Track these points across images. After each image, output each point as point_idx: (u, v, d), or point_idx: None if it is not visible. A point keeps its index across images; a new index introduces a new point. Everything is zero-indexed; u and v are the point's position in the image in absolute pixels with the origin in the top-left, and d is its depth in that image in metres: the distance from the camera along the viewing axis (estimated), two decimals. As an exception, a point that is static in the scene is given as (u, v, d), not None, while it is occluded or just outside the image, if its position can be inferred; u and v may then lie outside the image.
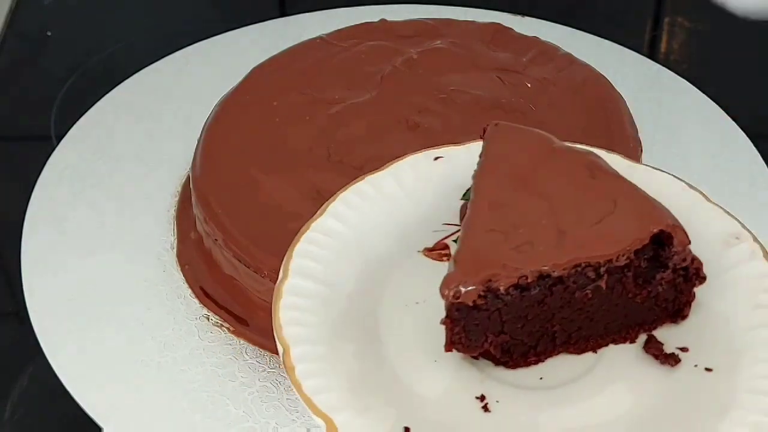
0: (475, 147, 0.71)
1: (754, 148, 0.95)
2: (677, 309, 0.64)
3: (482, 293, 0.57)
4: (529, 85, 0.91)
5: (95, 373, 0.76)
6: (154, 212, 0.88)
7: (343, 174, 0.82)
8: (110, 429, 0.72)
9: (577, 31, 1.08)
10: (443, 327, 0.60)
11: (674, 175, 0.66)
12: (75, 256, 0.84)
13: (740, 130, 0.97)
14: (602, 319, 0.63)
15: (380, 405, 0.58)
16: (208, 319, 0.80)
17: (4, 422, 0.78)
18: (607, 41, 1.08)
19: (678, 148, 0.95)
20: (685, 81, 1.03)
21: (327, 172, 0.83)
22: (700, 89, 1.02)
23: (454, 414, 0.59)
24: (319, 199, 0.80)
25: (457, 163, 0.70)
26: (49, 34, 1.15)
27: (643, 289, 0.63)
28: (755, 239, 0.65)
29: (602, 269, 0.60)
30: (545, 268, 0.59)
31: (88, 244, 0.85)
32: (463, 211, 0.68)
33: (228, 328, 0.80)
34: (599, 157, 0.67)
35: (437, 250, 0.67)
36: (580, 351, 0.63)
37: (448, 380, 0.61)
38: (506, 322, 0.60)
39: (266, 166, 0.83)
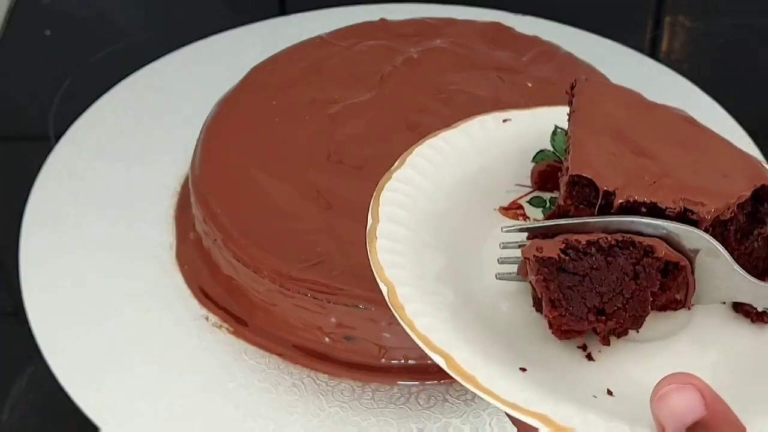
0: (542, 112, 0.71)
1: (755, 147, 0.95)
2: (766, 267, 0.64)
3: (563, 248, 0.58)
4: (529, 85, 0.91)
5: (93, 374, 0.76)
6: (154, 212, 0.88)
7: (342, 174, 0.82)
8: (108, 429, 0.72)
9: (578, 30, 1.08)
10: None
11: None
12: (73, 256, 0.84)
13: (741, 129, 0.97)
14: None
15: (493, 345, 0.59)
16: (207, 320, 0.80)
17: (2, 422, 0.78)
18: (607, 40, 1.08)
19: (679, 148, 0.95)
20: (686, 80, 1.03)
21: (327, 172, 0.82)
22: (701, 88, 1.02)
23: (563, 360, 0.60)
24: (319, 198, 0.80)
25: (525, 126, 0.71)
26: (48, 33, 1.15)
27: (741, 245, 0.62)
28: None
29: (708, 223, 0.59)
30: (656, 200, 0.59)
31: (87, 244, 0.85)
32: (534, 173, 0.69)
33: (227, 329, 0.79)
34: (687, 112, 0.68)
35: (512, 209, 0.68)
36: (675, 308, 0.63)
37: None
38: (604, 285, 0.59)
39: (266, 166, 0.83)
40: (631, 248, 0.57)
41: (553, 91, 0.90)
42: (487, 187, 0.68)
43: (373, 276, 0.59)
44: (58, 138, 0.95)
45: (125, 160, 0.93)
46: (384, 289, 0.58)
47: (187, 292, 0.82)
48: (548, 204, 0.68)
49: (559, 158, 0.67)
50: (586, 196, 0.60)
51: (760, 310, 0.62)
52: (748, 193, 0.60)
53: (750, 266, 0.64)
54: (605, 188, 0.59)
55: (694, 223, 0.59)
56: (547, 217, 0.63)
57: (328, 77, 0.91)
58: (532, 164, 0.69)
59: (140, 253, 0.84)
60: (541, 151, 0.70)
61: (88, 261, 0.84)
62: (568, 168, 0.61)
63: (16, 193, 0.90)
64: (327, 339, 0.77)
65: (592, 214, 0.60)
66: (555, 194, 0.66)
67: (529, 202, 0.68)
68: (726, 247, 0.60)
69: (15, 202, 0.89)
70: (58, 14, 1.19)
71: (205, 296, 0.82)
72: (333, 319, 0.76)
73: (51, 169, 0.92)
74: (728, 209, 0.59)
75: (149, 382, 0.75)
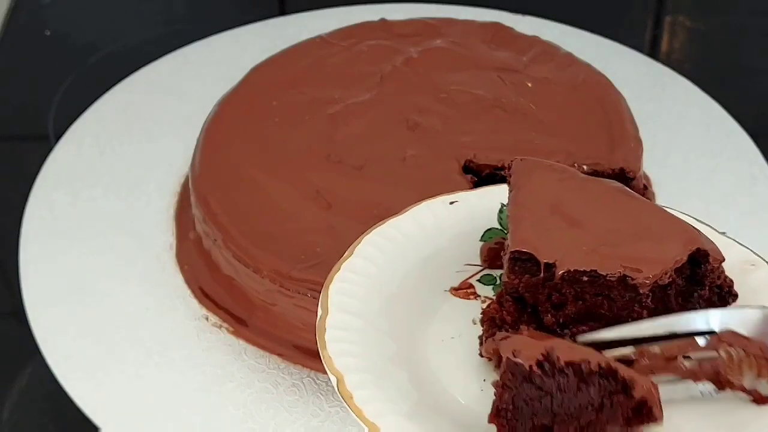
0: (488, 191, 0.73)
1: (755, 147, 0.95)
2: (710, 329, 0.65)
3: (541, 359, 0.58)
4: (529, 85, 0.91)
5: (93, 374, 0.75)
6: (153, 212, 0.88)
7: (342, 174, 0.82)
8: (108, 429, 0.72)
9: (578, 30, 1.08)
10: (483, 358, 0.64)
11: (683, 212, 0.67)
12: (73, 256, 0.84)
13: (741, 129, 0.97)
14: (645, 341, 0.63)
15: (446, 428, 0.60)
16: (207, 320, 0.80)
17: (2, 422, 0.77)
18: (607, 40, 1.08)
19: (678, 148, 0.95)
20: (686, 80, 1.03)
21: (327, 171, 0.82)
22: (701, 88, 1.02)
23: None
24: (318, 199, 0.80)
25: (471, 206, 0.73)
26: (48, 33, 1.15)
27: (683, 308, 0.63)
28: None
29: (647, 288, 0.61)
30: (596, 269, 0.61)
31: (87, 244, 0.85)
32: (483, 252, 0.71)
33: (227, 329, 0.79)
34: (622, 185, 0.69)
35: (463, 289, 0.70)
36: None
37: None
38: (563, 407, 0.60)
39: (266, 166, 0.83)
40: (609, 379, 0.57)
41: (553, 90, 0.90)
42: (438, 269, 0.69)
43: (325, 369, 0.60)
44: (58, 138, 0.95)
45: (125, 160, 0.93)
46: (333, 380, 0.59)
47: (187, 292, 0.82)
48: (498, 281, 0.69)
49: (507, 235, 0.68)
50: (529, 270, 0.62)
51: None
52: (685, 258, 0.61)
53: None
54: (545, 261, 0.61)
55: (634, 289, 0.61)
56: (497, 296, 0.64)
57: (328, 77, 0.91)
58: (481, 243, 0.71)
59: (140, 253, 0.84)
60: (489, 229, 0.71)
61: (87, 261, 0.84)
62: (508, 246, 0.62)
63: (16, 193, 0.90)
64: (327, 339, 0.77)
65: (538, 284, 0.61)
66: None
67: (479, 280, 0.70)
68: (668, 311, 0.62)
69: (15, 202, 0.89)
70: (58, 14, 1.19)
71: (205, 296, 0.82)
72: (333, 319, 0.76)
73: (51, 169, 0.92)
74: (666, 274, 0.61)
75: (149, 382, 0.75)
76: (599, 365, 0.56)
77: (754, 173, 0.93)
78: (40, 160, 0.92)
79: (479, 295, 0.69)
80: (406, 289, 0.67)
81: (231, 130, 0.87)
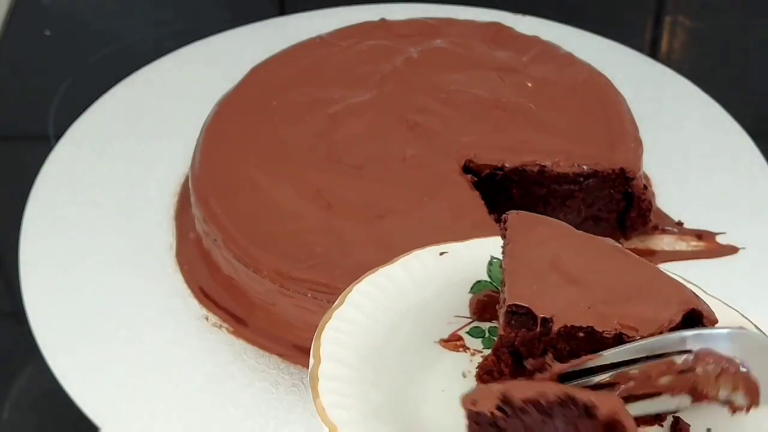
0: (477, 243, 0.72)
1: (755, 147, 0.95)
2: None
3: (498, 404, 0.58)
4: (529, 85, 0.91)
5: (93, 374, 0.75)
6: (153, 212, 0.88)
7: (342, 174, 0.82)
8: (108, 429, 0.72)
9: (578, 30, 1.08)
10: None
11: (672, 272, 0.68)
12: (73, 257, 0.84)
13: (741, 129, 0.97)
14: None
15: None
16: (207, 320, 0.80)
17: (2, 422, 0.77)
18: (607, 40, 1.08)
19: (678, 148, 0.95)
20: (686, 80, 1.03)
21: (327, 172, 0.82)
22: (701, 88, 1.02)
23: None
24: (318, 199, 0.80)
25: (461, 258, 0.72)
26: (47, 33, 1.15)
27: None
28: (757, 327, 0.67)
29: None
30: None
31: (87, 244, 0.85)
32: (472, 304, 0.71)
33: (227, 329, 0.79)
34: (618, 244, 0.69)
35: (452, 341, 0.70)
36: None
37: None
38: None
39: (266, 166, 0.83)
40: (570, 406, 0.57)
41: (553, 90, 0.90)
42: (427, 320, 0.69)
43: (318, 417, 0.60)
44: (58, 138, 0.95)
45: (125, 160, 0.93)
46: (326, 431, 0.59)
47: (187, 292, 0.82)
48: (487, 334, 0.69)
49: (496, 288, 0.69)
50: (525, 324, 0.62)
51: None
52: (678, 318, 0.61)
53: None
54: (542, 315, 0.61)
55: None
56: (494, 349, 0.63)
57: (328, 77, 0.91)
58: (470, 295, 0.70)
59: (140, 253, 0.84)
60: (478, 281, 0.71)
61: (87, 261, 0.84)
62: (505, 299, 0.62)
63: (16, 193, 0.90)
64: (327, 339, 0.77)
65: (534, 338, 0.61)
66: (494, 323, 0.67)
67: (468, 332, 0.70)
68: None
69: (15, 202, 0.89)
70: (58, 14, 1.19)
71: (205, 296, 0.82)
72: (333, 319, 0.76)
73: (51, 169, 0.92)
74: (660, 333, 0.61)
75: (149, 382, 0.75)
76: (556, 395, 0.57)
77: (754, 173, 0.93)
78: (40, 160, 0.92)
79: (468, 348, 0.69)
80: (396, 340, 0.67)
81: (231, 130, 0.87)
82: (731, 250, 0.86)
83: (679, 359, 0.60)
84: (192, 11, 1.21)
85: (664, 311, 0.62)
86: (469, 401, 0.58)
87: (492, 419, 0.57)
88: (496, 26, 0.98)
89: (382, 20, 0.98)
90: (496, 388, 0.58)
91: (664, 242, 0.87)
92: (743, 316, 0.67)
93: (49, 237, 0.85)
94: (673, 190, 0.91)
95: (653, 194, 0.89)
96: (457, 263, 0.72)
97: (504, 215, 0.68)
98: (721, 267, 0.85)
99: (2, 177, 0.96)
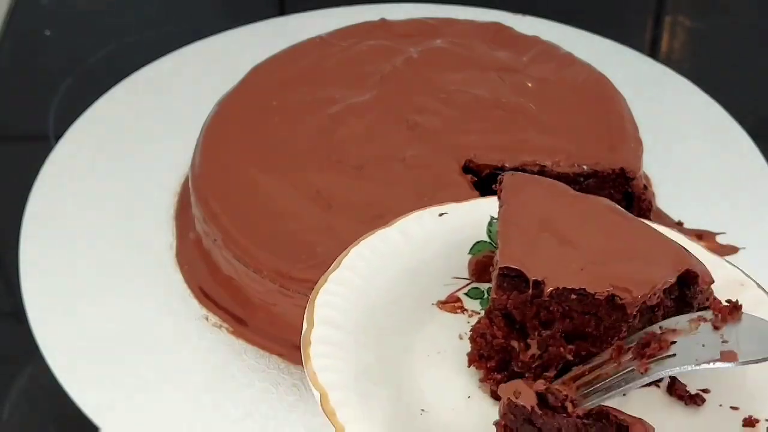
0: (478, 203, 0.73)
1: (755, 147, 0.95)
2: None
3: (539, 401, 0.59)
4: (529, 85, 0.91)
5: (93, 374, 0.75)
6: (153, 212, 0.88)
7: (342, 174, 0.82)
8: (108, 429, 0.72)
9: (578, 30, 1.08)
10: (469, 373, 0.65)
11: (676, 230, 0.68)
12: (73, 256, 0.84)
13: (742, 129, 0.97)
14: None
15: None
16: (207, 320, 0.80)
17: (2, 422, 0.77)
18: (607, 40, 1.08)
19: (679, 148, 0.95)
20: (686, 80, 1.03)
21: (327, 171, 0.82)
22: (701, 88, 1.02)
23: None
24: (318, 199, 0.80)
25: (461, 218, 0.72)
26: (47, 33, 1.15)
27: None
28: (759, 285, 0.67)
29: (635, 308, 0.61)
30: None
31: (87, 244, 0.85)
32: (471, 265, 0.71)
33: (227, 329, 0.79)
34: (613, 203, 0.68)
35: (450, 303, 0.70)
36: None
37: (480, 417, 0.63)
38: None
39: (266, 166, 0.83)
40: (604, 421, 0.58)
41: (553, 90, 0.90)
42: (425, 282, 0.69)
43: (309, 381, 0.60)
44: (58, 138, 0.95)
45: (125, 161, 0.93)
46: (317, 395, 0.59)
47: (187, 292, 0.82)
48: (486, 295, 0.69)
49: (496, 248, 0.68)
50: (517, 286, 0.62)
51: (693, 392, 0.63)
52: (673, 279, 0.62)
53: None
54: (534, 278, 0.61)
55: (622, 308, 0.61)
56: (486, 312, 0.63)
57: (328, 77, 0.91)
58: (469, 256, 0.71)
59: (140, 253, 0.84)
60: (478, 242, 0.71)
61: (88, 261, 0.84)
62: (497, 261, 0.62)
63: (16, 193, 0.90)
64: (327, 339, 0.77)
65: (526, 300, 0.61)
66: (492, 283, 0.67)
67: (466, 294, 0.70)
68: None
69: (15, 202, 0.89)
70: (58, 14, 1.19)
71: (205, 296, 0.82)
72: (333, 319, 0.76)
73: (51, 169, 0.92)
74: (654, 295, 0.61)
75: (149, 382, 0.75)
76: (591, 410, 0.58)
77: (754, 173, 0.93)
78: (40, 160, 0.92)
79: (466, 309, 0.69)
80: (393, 302, 0.67)
81: (231, 130, 0.87)
82: (731, 250, 0.86)
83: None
84: (192, 11, 1.21)
85: (658, 272, 0.62)
86: (511, 391, 0.58)
87: (529, 414, 0.57)
88: (496, 26, 0.98)
89: (382, 20, 0.98)
90: (539, 384, 0.58)
91: (664, 242, 0.87)
92: (743, 273, 0.67)
93: (49, 237, 0.85)
94: (673, 190, 0.91)
95: (653, 194, 0.89)
96: (457, 224, 0.71)
97: (500, 176, 0.68)
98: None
99: (2, 177, 0.96)
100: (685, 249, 0.64)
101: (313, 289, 0.75)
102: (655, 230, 0.66)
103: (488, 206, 0.71)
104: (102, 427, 0.72)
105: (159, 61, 1.04)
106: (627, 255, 0.63)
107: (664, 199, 0.90)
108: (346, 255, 0.68)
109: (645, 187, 0.85)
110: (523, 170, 0.84)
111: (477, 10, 1.09)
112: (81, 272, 0.83)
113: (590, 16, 1.15)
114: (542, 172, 0.83)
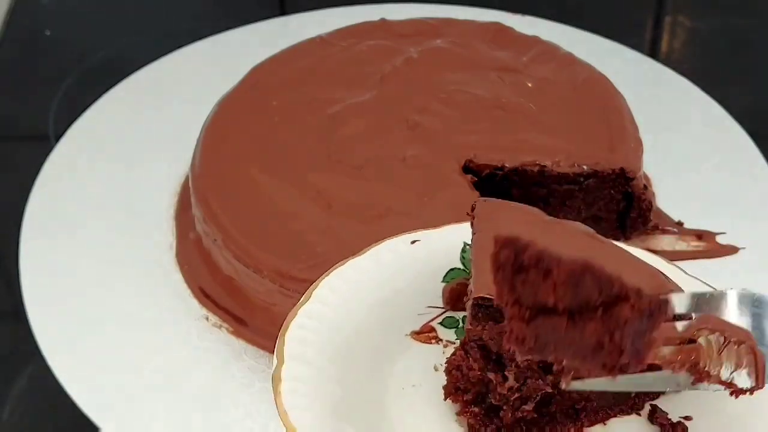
0: (451, 229, 0.71)
1: (755, 147, 0.95)
2: None
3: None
4: (529, 85, 0.91)
5: (93, 374, 0.75)
6: (153, 212, 0.88)
7: (342, 174, 0.82)
8: (108, 429, 0.72)
9: (578, 30, 1.08)
10: (445, 406, 0.63)
11: (651, 251, 0.67)
12: (73, 257, 0.84)
13: (741, 129, 0.97)
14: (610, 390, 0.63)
15: None
16: (207, 320, 0.80)
17: (3, 422, 0.77)
18: (608, 40, 1.08)
19: (678, 148, 0.95)
20: (686, 80, 1.03)
21: (327, 172, 0.82)
22: (701, 88, 1.02)
23: None
24: (318, 199, 0.80)
25: (434, 246, 0.70)
26: (47, 33, 1.15)
27: None
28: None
29: None
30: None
31: (87, 244, 0.85)
32: (445, 293, 0.69)
33: (227, 329, 0.79)
34: (588, 227, 0.67)
35: (425, 333, 0.68)
36: (590, 424, 0.64)
37: None
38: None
39: (266, 166, 0.83)
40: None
41: (554, 90, 0.90)
42: (398, 312, 0.67)
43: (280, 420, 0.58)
44: (58, 138, 0.95)
45: (125, 160, 0.93)
46: None
47: (187, 292, 0.82)
48: (461, 324, 0.67)
49: (470, 275, 0.66)
50: (492, 316, 0.60)
51: (674, 420, 0.62)
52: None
53: None
54: None
55: None
56: (461, 344, 0.62)
57: (328, 77, 0.91)
58: (443, 284, 0.69)
59: (140, 253, 0.84)
60: (452, 269, 0.69)
61: (88, 261, 0.84)
62: (471, 291, 0.61)
63: (16, 193, 0.90)
64: (327, 339, 0.77)
65: (502, 331, 0.59)
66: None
67: (441, 323, 0.68)
68: None
69: (15, 202, 0.89)
70: (58, 14, 1.19)
71: (205, 296, 0.82)
72: (333, 319, 0.76)
73: (51, 169, 0.92)
74: None
75: (149, 382, 0.75)
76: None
77: (754, 173, 0.93)
78: (40, 160, 0.92)
79: (441, 339, 0.67)
80: (365, 334, 0.65)
81: (231, 130, 0.87)
82: (731, 250, 0.86)
83: (680, 325, 0.58)
84: (192, 11, 1.21)
85: None
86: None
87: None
88: (496, 26, 0.98)
89: (382, 20, 0.98)
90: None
91: (664, 242, 0.87)
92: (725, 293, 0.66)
93: (49, 237, 0.85)
94: (673, 190, 0.91)
95: (653, 194, 0.89)
96: (430, 251, 0.70)
97: (473, 202, 0.66)
98: (721, 267, 0.85)
99: (2, 177, 0.96)
100: (663, 274, 0.63)
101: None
102: (632, 255, 0.65)
103: (462, 232, 0.69)
104: (102, 427, 0.72)
105: (159, 61, 1.04)
106: None
107: (664, 199, 0.90)
108: (317, 286, 0.66)
109: (645, 187, 0.85)
110: (523, 170, 0.84)
111: (477, 10, 1.09)
112: (81, 272, 0.83)
113: (590, 16, 1.15)
114: (542, 172, 0.83)
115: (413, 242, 0.70)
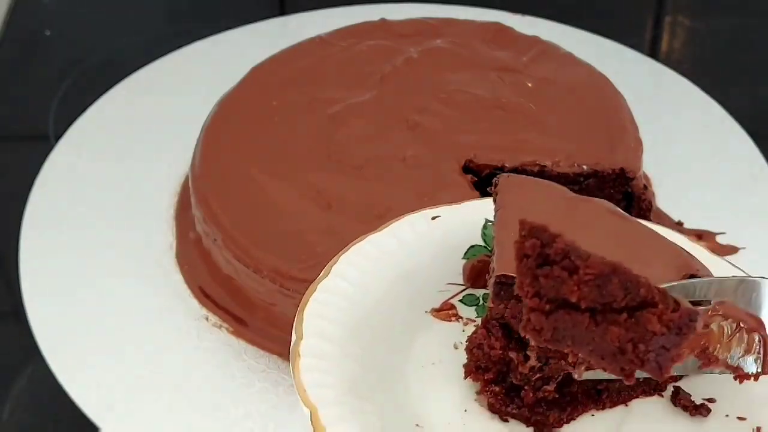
0: (472, 205, 0.70)
1: (755, 147, 0.95)
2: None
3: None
4: (529, 85, 0.91)
5: (93, 373, 0.75)
6: (153, 212, 0.88)
7: (342, 174, 0.82)
8: (108, 429, 0.72)
9: (578, 30, 1.08)
10: (465, 385, 0.62)
11: (677, 231, 0.66)
12: (73, 257, 0.84)
13: (741, 129, 0.97)
14: None
15: None
16: (207, 320, 0.80)
17: (2, 422, 0.77)
18: (607, 40, 1.08)
19: (678, 148, 0.95)
20: (686, 80, 1.03)
21: (327, 171, 0.82)
22: (701, 88, 1.02)
23: None
24: (318, 199, 0.80)
25: (455, 222, 0.70)
26: (47, 33, 1.15)
27: None
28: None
29: None
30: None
31: (87, 244, 0.85)
32: (466, 270, 0.68)
33: (227, 329, 0.79)
34: (613, 204, 0.67)
35: (445, 310, 0.68)
36: (611, 405, 0.63)
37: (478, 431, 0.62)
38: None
39: (266, 166, 0.83)
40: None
41: (553, 90, 0.90)
42: (418, 288, 0.67)
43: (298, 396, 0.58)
44: (58, 138, 0.95)
45: (125, 161, 0.93)
46: (306, 412, 0.57)
47: (187, 292, 0.82)
48: (481, 301, 0.67)
49: (491, 252, 0.65)
50: (514, 295, 0.59)
51: (698, 402, 0.62)
52: (676, 282, 0.60)
53: None
54: None
55: None
56: (483, 322, 0.62)
57: (328, 77, 0.91)
58: (464, 261, 0.68)
59: (140, 253, 0.84)
60: (472, 246, 0.68)
61: (87, 261, 0.84)
62: (493, 269, 0.60)
63: (16, 193, 0.90)
64: (327, 339, 0.77)
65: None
66: (488, 290, 0.64)
67: (461, 300, 0.68)
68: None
69: (15, 202, 0.89)
70: (58, 14, 1.19)
71: (205, 296, 0.82)
72: (333, 319, 0.76)
73: (51, 169, 0.92)
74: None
75: (149, 382, 0.75)
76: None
77: (754, 173, 0.93)
78: (40, 160, 0.92)
79: (461, 317, 0.67)
80: (385, 311, 0.65)
81: (231, 130, 0.87)
82: (731, 250, 0.86)
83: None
84: (192, 11, 1.21)
85: (660, 275, 0.59)
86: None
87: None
88: (496, 26, 0.98)
89: (382, 20, 0.98)
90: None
91: (664, 242, 0.87)
92: (746, 274, 0.65)
93: (49, 237, 0.85)
94: (673, 190, 0.91)
95: (653, 194, 0.89)
96: (450, 227, 0.69)
97: (495, 178, 0.66)
98: (721, 267, 0.85)
99: (2, 177, 0.96)
100: (688, 252, 0.63)
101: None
102: (657, 233, 0.64)
103: (483, 208, 0.69)
104: (102, 427, 0.72)
105: (159, 61, 1.04)
106: (628, 258, 0.59)
107: (664, 199, 0.90)
108: (336, 262, 0.65)
109: (645, 187, 0.85)
110: (523, 170, 0.84)
111: (477, 10, 1.09)
112: (81, 272, 0.83)
113: (590, 16, 1.15)
114: (542, 172, 0.83)
115: (434, 218, 0.69)
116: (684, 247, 0.64)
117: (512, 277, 0.59)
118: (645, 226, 0.66)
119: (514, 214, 0.62)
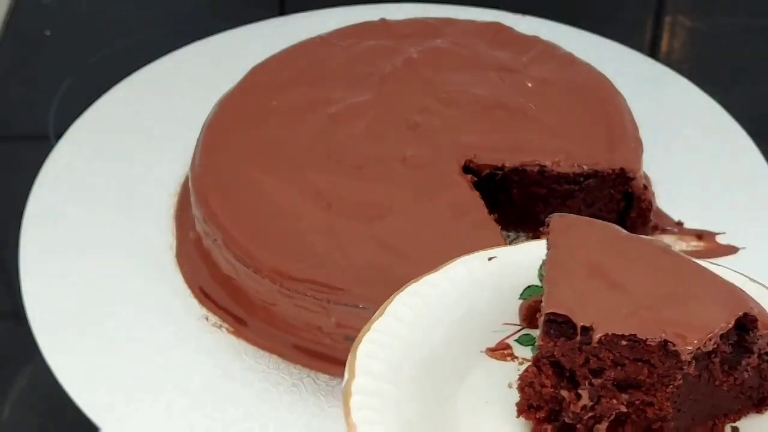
0: (529, 247, 0.70)
1: (755, 147, 0.95)
2: (762, 397, 0.63)
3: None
4: (529, 85, 0.91)
5: (93, 374, 0.75)
6: (153, 212, 0.88)
7: (343, 174, 0.82)
8: (108, 429, 0.72)
9: (578, 30, 1.08)
10: (518, 424, 0.62)
11: (734, 270, 0.65)
12: (73, 256, 0.84)
13: (742, 129, 0.97)
14: (689, 410, 0.62)
15: None
16: (207, 320, 0.80)
17: (2, 422, 0.77)
18: (607, 40, 1.08)
19: (679, 148, 0.95)
20: (686, 80, 1.03)
21: (327, 172, 0.82)
22: (701, 88, 1.02)
23: None
24: (318, 199, 0.80)
25: (511, 262, 0.69)
26: (47, 33, 1.15)
27: (729, 376, 0.61)
28: None
29: (690, 355, 0.59)
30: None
31: (87, 244, 0.85)
32: (522, 310, 0.68)
33: (227, 329, 0.79)
34: (667, 244, 0.67)
35: (500, 350, 0.68)
36: None
37: None
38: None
39: (266, 166, 0.83)
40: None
41: (553, 90, 0.90)
42: (473, 328, 0.67)
43: None
44: (58, 138, 0.95)
45: (125, 161, 0.93)
46: None
47: (187, 292, 0.82)
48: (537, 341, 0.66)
49: None
50: (565, 333, 0.60)
51: None
52: (731, 323, 0.59)
53: (744, 398, 0.63)
54: (582, 324, 0.59)
55: (676, 355, 0.58)
56: (534, 360, 0.62)
57: (328, 77, 0.91)
58: (520, 301, 0.68)
59: (140, 253, 0.84)
60: (530, 286, 0.68)
61: (87, 261, 0.84)
62: (544, 307, 0.60)
63: (16, 193, 0.90)
64: (327, 339, 0.77)
65: (574, 348, 0.60)
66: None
67: (517, 340, 0.68)
68: (712, 380, 0.60)
69: (15, 202, 0.88)
70: (58, 14, 1.19)
71: (205, 296, 0.82)
72: (333, 319, 0.76)
73: (51, 169, 0.92)
74: (710, 340, 0.58)
75: (149, 382, 0.75)
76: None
77: (754, 173, 0.93)
78: (40, 160, 0.92)
79: (517, 357, 0.67)
80: (439, 351, 0.65)
81: (231, 130, 0.87)
82: (731, 250, 0.86)
83: None
84: (192, 11, 1.21)
85: (714, 316, 0.59)
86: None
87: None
88: (496, 26, 0.98)
89: (382, 20, 0.98)
90: None
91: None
92: None
93: (49, 237, 0.85)
94: (673, 190, 0.91)
95: (653, 194, 0.89)
96: (506, 268, 0.69)
97: (547, 218, 0.66)
98: (721, 267, 0.85)
99: (2, 177, 0.96)
100: (743, 291, 0.61)
101: (312, 289, 0.75)
102: (711, 272, 0.63)
103: (539, 250, 0.67)
104: (102, 427, 0.72)
105: (159, 61, 1.04)
106: (681, 298, 0.60)
107: (664, 199, 0.90)
108: (391, 302, 0.65)
109: (645, 187, 0.85)
110: (523, 170, 0.84)
111: (477, 10, 1.08)
112: (81, 272, 0.83)
113: (590, 16, 1.15)
114: (542, 172, 0.84)
115: (490, 259, 0.69)
116: (737, 284, 0.63)
117: (562, 315, 0.59)
118: (699, 264, 0.64)
119: (566, 253, 0.62)
